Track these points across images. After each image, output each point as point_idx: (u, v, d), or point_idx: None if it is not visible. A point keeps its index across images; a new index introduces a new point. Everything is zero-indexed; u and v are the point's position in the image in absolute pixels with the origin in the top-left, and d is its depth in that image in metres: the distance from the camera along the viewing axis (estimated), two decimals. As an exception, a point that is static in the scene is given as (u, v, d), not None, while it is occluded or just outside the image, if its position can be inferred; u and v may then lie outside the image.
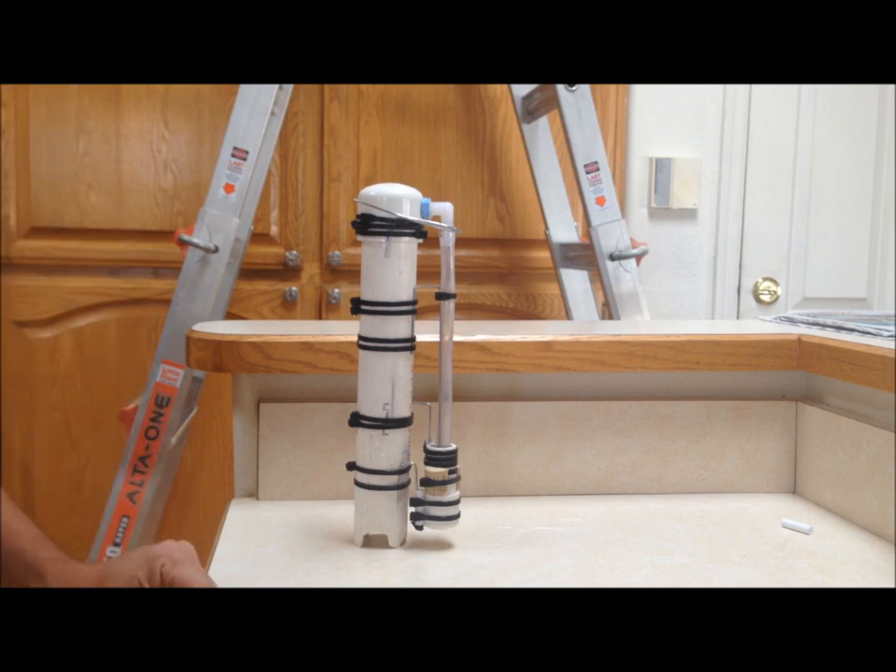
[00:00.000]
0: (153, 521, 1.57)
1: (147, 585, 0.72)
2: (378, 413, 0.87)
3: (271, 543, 0.90)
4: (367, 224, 0.85)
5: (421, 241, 0.87)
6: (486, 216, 2.05)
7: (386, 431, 0.87)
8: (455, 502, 0.88)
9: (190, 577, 0.73)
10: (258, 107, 1.53)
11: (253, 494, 1.05)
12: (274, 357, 0.99)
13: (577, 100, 1.59)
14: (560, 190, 1.88)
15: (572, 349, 1.04)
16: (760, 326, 1.21)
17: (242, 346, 0.99)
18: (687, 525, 0.98)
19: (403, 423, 0.88)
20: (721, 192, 2.15)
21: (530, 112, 1.85)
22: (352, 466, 0.89)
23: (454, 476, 0.88)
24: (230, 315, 1.86)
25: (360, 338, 0.87)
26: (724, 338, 1.07)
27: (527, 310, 2.07)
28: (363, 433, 0.88)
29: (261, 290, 1.98)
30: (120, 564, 0.74)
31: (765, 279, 2.21)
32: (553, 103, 1.63)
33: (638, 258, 1.60)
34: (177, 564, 0.73)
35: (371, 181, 1.96)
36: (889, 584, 0.83)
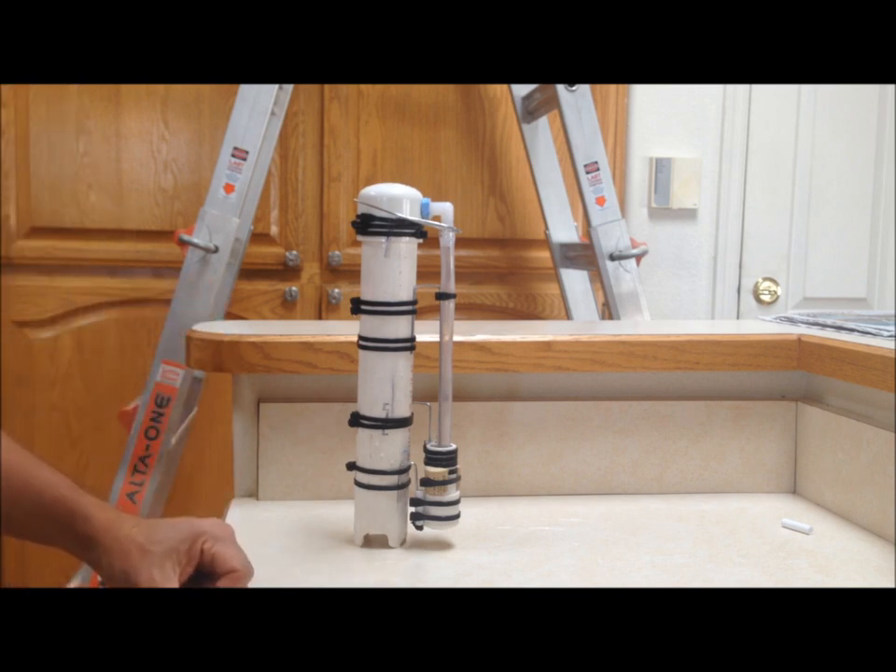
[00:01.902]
0: (153, 521, 1.57)
1: (185, 560, 0.74)
2: (378, 413, 0.87)
3: (271, 543, 0.90)
4: (367, 224, 0.85)
5: (421, 241, 0.87)
6: (486, 216, 2.05)
7: (386, 431, 0.87)
8: (455, 502, 0.88)
9: (231, 554, 0.75)
10: (258, 107, 1.53)
11: (253, 494, 1.05)
12: (274, 357, 0.99)
13: (577, 100, 1.59)
14: (560, 190, 1.88)
15: (572, 349, 1.04)
16: (760, 326, 1.21)
17: (242, 346, 0.99)
18: (687, 524, 0.98)
19: (403, 423, 0.88)
20: (721, 192, 2.15)
21: (530, 112, 1.85)
22: (352, 466, 0.89)
23: (454, 476, 0.88)
24: (230, 315, 1.86)
25: (360, 338, 0.87)
26: (724, 338, 1.07)
27: (527, 310, 2.07)
28: (363, 433, 0.88)
29: (261, 290, 1.98)
30: (165, 531, 0.74)
31: (765, 279, 2.21)
32: (553, 103, 1.63)
33: (638, 258, 1.60)
34: (219, 541, 0.75)
35: (370, 181, 1.96)
36: (889, 584, 0.83)
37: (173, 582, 0.72)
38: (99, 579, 1.35)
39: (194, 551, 0.74)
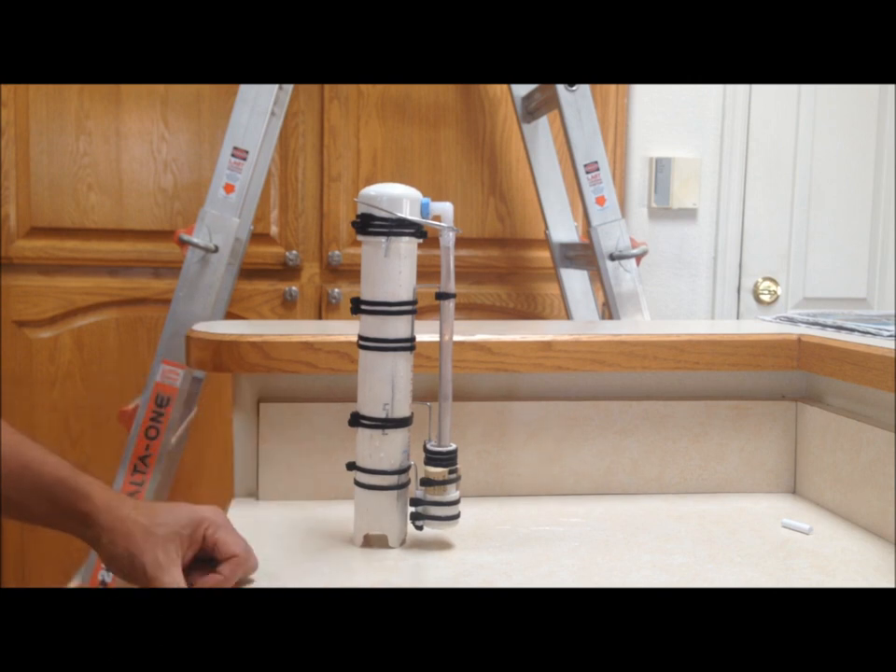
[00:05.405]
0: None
1: (187, 545, 0.75)
2: (378, 412, 0.87)
3: (271, 543, 0.90)
4: (367, 224, 0.85)
5: (421, 241, 0.87)
6: (486, 216, 2.05)
7: (386, 431, 0.87)
8: (455, 502, 0.88)
9: (233, 541, 0.77)
10: (258, 107, 1.53)
11: (253, 494, 1.05)
12: (274, 357, 0.99)
13: (577, 100, 1.59)
14: (560, 190, 1.88)
15: (572, 349, 1.04)
16: (760, 326, 1.21)
17: (242, 346, 0.99)
18: (687, 524, 0.98)
19: (403, 423, 0.88)
20: (721, 192, 2.15)
21: (530, 112, 1.85)
22: (352, 466, 0.89)
23: (454, 476, 0.88)
24: (230, 315, 1.86)
25: (360, 338, 0.87)
26: (724, 338, 1.07)
27: (527, 310, 2.07)
28: (363, 433, 0.88)
29: (261, 290, 1.98)
30: (167, 514, 0.76)
31: (765, 279, 2.21)
32: (553, 103, 1.63)
33: (638, 257, 1.60)
34: (220, 528, 0.77)
35: (370, 181, 1.96)
36: (889, 584, 0.83)
37: (176, 565, 0.72)
38: (99, 577, 1.35)
39: (196, 536, 0.75)
